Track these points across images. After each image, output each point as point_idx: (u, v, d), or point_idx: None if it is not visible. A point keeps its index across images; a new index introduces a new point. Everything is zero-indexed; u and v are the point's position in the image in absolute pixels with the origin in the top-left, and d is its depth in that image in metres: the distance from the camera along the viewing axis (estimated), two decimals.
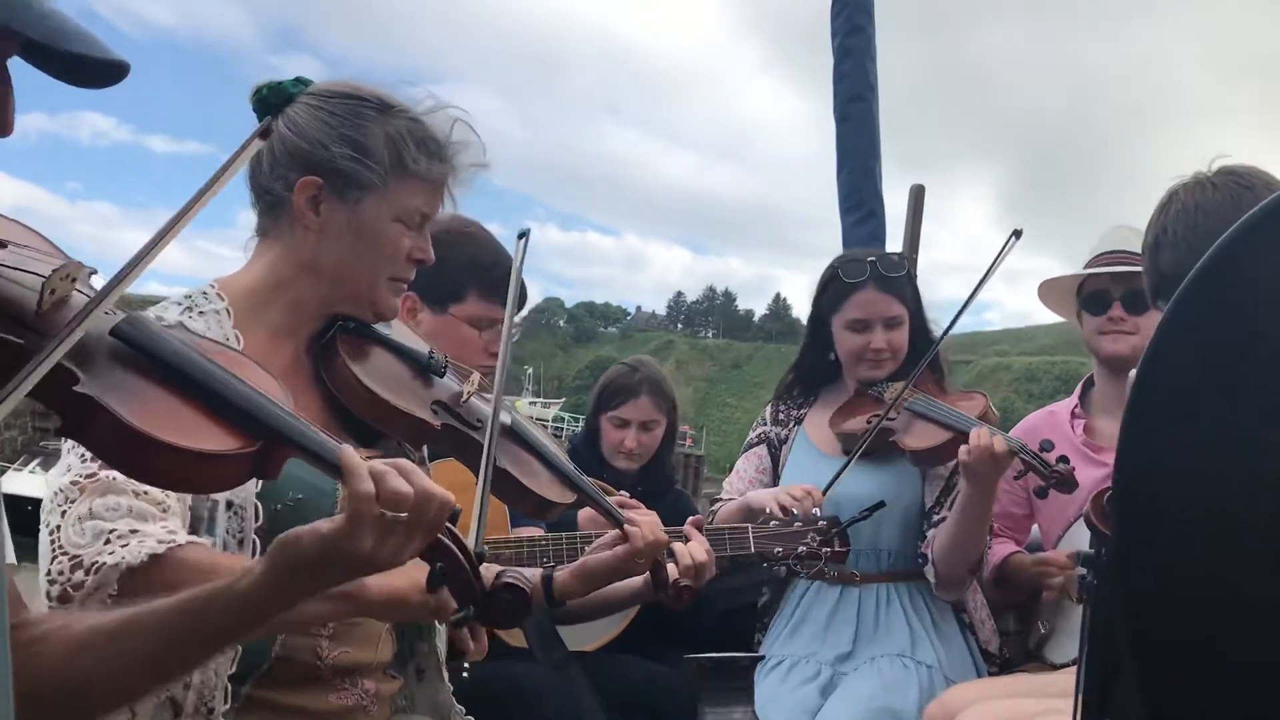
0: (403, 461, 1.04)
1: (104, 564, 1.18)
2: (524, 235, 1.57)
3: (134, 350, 0.99)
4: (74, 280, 0.94)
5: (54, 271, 0.92)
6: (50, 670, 0.98)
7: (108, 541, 1.19)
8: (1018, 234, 2.38)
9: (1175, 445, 0.66)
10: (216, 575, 1.09)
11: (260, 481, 1.27)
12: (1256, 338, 0.63)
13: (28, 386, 0.81)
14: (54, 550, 1.20)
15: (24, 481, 19.17)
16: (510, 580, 1.13)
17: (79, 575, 1.18)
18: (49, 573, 1.19)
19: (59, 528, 1.21)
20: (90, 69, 0.92)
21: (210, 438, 0.98)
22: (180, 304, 1.42)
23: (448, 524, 1.08)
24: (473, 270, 2.13)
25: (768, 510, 2.23)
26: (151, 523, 1.22)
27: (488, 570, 1.15)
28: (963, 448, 2.25)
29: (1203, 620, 0.65)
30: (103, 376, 0.94)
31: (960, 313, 2.48)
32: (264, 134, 1.09)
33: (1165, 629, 0.67)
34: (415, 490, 1.01)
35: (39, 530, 1.24)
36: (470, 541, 1.13)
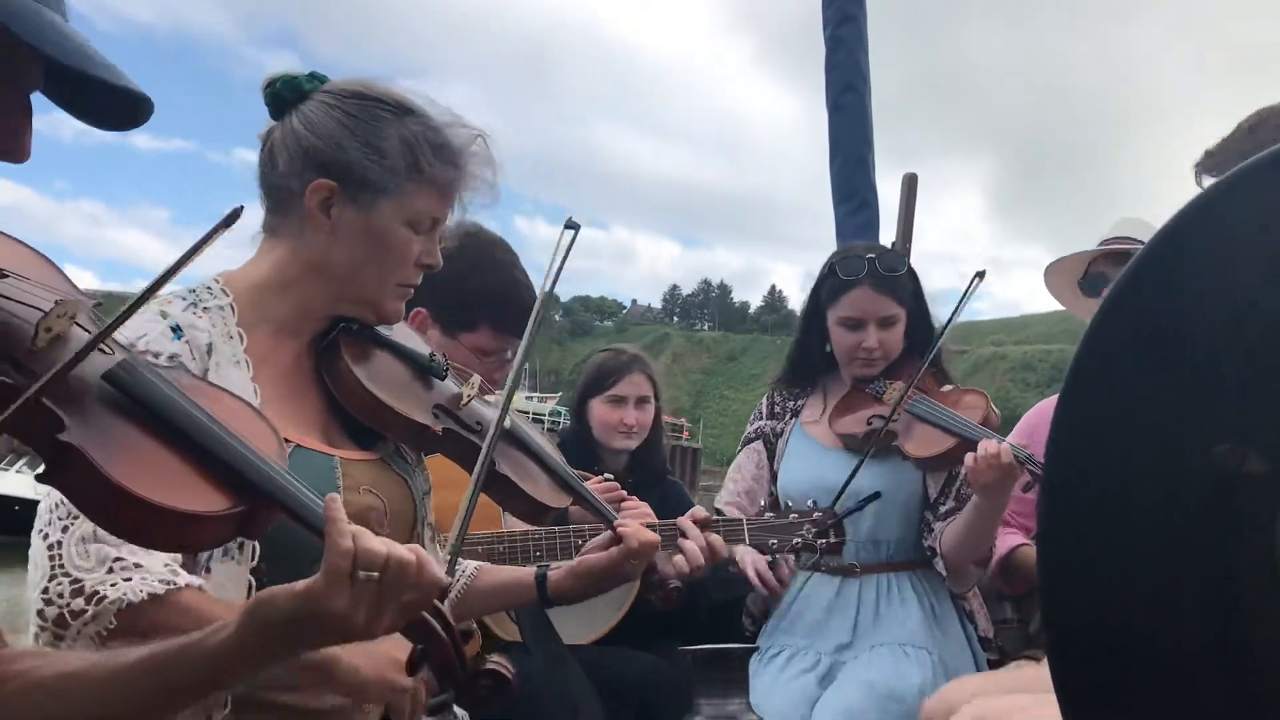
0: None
1: (105, 596, 1.16)
2: (573, 228, 1.53)
3: (127, 397, 0.95)
4: (73, 317, 0.90)
5: (52, 308, 0.88)
6: (15, 713, 0.96)
7: (110, 570, 1.17)
8: (981, 275, 2.49)
9: (1103, 414, 0.68)
10: (209, 624, 1.06)
11: None
12: (1195, 314, 0.65)
13: None
14: (53, 568, 1.17)
15: (11, 481, 18.93)
16: (493, 667, 1.11)
17: (79, 602, 1.15)
18: (46, 590, 1.16)
19: (60, 544, 1.18)
20: (113, 108, 0.89)
21: (198, 497, 0.93)
22: (185, 298, 1.38)
23: (436, 604, 1.04)
24: (489, 304, 2.14)
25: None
26: (155, 556, 1.20)
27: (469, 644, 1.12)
28: (969, 460, 2.23)
29: (1101, 592, 0.69)
30: (90, 424, 0.89)
31: (935, 346, 2.48)
32: (229, 220, 1.04)
33: (1071, 597, 0.70)
34: (389, 553, 0.99)
35: (29, 530, 1.22)
36: (448, 554, 1.11)
